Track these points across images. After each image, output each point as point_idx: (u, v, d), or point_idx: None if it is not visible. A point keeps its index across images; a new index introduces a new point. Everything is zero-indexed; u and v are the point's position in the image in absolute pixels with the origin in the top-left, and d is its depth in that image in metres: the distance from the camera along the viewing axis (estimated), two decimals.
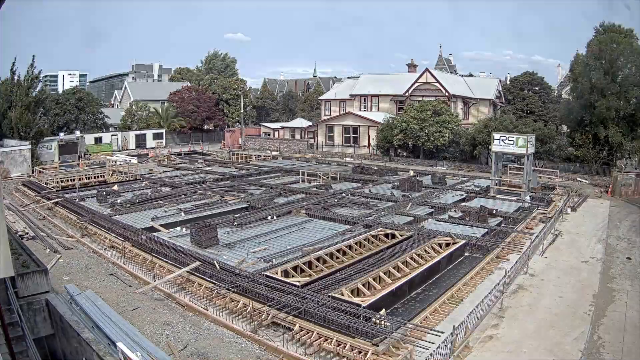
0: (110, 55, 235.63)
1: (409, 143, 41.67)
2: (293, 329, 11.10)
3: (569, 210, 23.34)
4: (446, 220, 21.30)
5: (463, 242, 17.36)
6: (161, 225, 20.36)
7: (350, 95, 53.78)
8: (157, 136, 56.42)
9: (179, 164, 42.30)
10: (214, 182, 31.84)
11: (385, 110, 49.24)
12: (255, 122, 71.03)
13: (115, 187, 28.63)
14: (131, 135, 54.81)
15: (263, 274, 14.06)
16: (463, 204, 25.10)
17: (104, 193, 25.98)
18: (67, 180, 31.54)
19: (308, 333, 10.92)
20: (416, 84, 48.45)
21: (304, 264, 15.19)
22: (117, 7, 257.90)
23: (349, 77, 64.62)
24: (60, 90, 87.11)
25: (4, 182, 31.12)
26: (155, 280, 14.37)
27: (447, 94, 46.39)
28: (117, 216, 22.02)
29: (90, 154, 46.89)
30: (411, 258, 15.52)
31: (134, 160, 37.26)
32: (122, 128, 58.06)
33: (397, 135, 41.36)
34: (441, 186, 29.63)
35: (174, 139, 60.20)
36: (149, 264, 15.66)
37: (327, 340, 10.58)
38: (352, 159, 44.65)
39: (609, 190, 28.62)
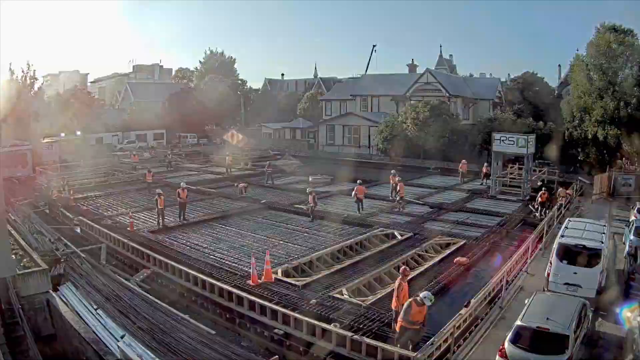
0: (112, 55, 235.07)
1: (410, 143, 41.58)
2: None
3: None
4: (446, 220, 21.34)
5: (463, 242, 17.36)
6: None
7: (350, 95, 53.70)
8: (157, 136, 56.36)
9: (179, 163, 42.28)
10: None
11: (385, 111, 49.21)
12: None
13: None
14: (132, 135, 54.81)
15: None
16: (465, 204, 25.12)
17: None
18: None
19: None
20: (417, 84, 48.37)
21: (304, 264, 15.19)
22: (119, 7, 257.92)
23: (349, 77, 64.54)
24: (61, 90, 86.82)
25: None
26: None
27: (447, 94, 46.35)
28: None
29: None
30: (412, 258, 15.53)
31: None
32: (123, 128, 57.96)
33: (398, 136, 41.28)
34: None
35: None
36: None
37: None
38: (353, 159, 44.51)
39: (609, 190, 28.51)
